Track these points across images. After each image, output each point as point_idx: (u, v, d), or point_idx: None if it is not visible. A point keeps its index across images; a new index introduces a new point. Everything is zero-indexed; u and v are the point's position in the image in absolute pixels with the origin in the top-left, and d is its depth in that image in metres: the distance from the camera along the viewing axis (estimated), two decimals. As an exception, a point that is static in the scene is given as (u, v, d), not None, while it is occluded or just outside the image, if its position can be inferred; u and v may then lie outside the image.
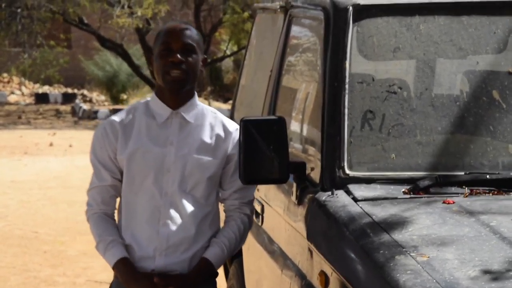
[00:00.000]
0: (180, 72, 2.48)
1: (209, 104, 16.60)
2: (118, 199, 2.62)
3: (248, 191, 2.62)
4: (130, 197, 2.55)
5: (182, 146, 2.53)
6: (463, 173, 2.55)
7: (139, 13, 13.66)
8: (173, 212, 2.52)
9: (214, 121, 2.58)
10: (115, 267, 2.52)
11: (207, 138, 2.55)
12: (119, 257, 2.50)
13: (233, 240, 2.57)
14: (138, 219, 2.53)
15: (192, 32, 2.53)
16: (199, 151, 2.53)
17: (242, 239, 2.62)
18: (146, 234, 2.52)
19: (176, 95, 2.53)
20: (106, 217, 2.57)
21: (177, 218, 2.52)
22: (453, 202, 2.39)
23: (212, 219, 2.57)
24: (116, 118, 2.58)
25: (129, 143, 2.53)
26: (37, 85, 19.57)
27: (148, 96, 2.66)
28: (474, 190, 2.48)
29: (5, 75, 19.50)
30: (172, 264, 2.52)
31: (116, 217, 2.62)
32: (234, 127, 2.59)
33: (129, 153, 2.52)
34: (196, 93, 2.59)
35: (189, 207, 2.52)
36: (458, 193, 2.46)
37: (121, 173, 2.56)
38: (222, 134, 2.57)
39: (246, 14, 13.96)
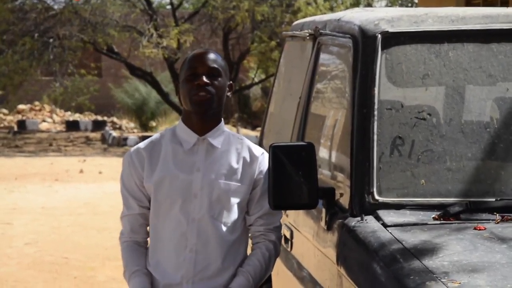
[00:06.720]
0: (206, 93, 2.48)
1: (237, 131, 16.69)
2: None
3: (274, 217, 2.59)
4: (157, 224, 2.55)
5: (209, 172, 2.52)
6: (494, 199, 2.53)
7: (164, 44, 13.84)
8: (200, 239, 2.50)
9: (240, 147, 2.57)
10: None
11: (234, 163, 2.54)
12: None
13: (258, 269, 2.54)
14: (165, 245, 2.53)
15: (217, 57, 2.54)
16: (226, 176, 2.52)
17: (268, 266, 2.58)
18: (173, 261, 2.51)
19: (202, 119, 2.52)
20: (135, 245, 2.58)
21: (204, 245, 2.50)
22: (484, 229, 2.38)
23: (239, 245, 2.56)
24: (142, 145, 2.58)
25: (155, 170, 2.52)
26: (68, 113, 19.84)
27: (176, 123, 2.69)
28: (506, 217, 2.46)
29: (37, 103, 19.81)
30: None
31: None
32: (260, 152, 2.59)
33: (156, 180, 2.52)
34: (222, 119, 2.59)
35: (216, 233, 2.51)
36: (489, 220, 2.45)
37: (150, 201, 2.55)
38: (248, 159, 2.56)
39: (273, 42, 14.06)
